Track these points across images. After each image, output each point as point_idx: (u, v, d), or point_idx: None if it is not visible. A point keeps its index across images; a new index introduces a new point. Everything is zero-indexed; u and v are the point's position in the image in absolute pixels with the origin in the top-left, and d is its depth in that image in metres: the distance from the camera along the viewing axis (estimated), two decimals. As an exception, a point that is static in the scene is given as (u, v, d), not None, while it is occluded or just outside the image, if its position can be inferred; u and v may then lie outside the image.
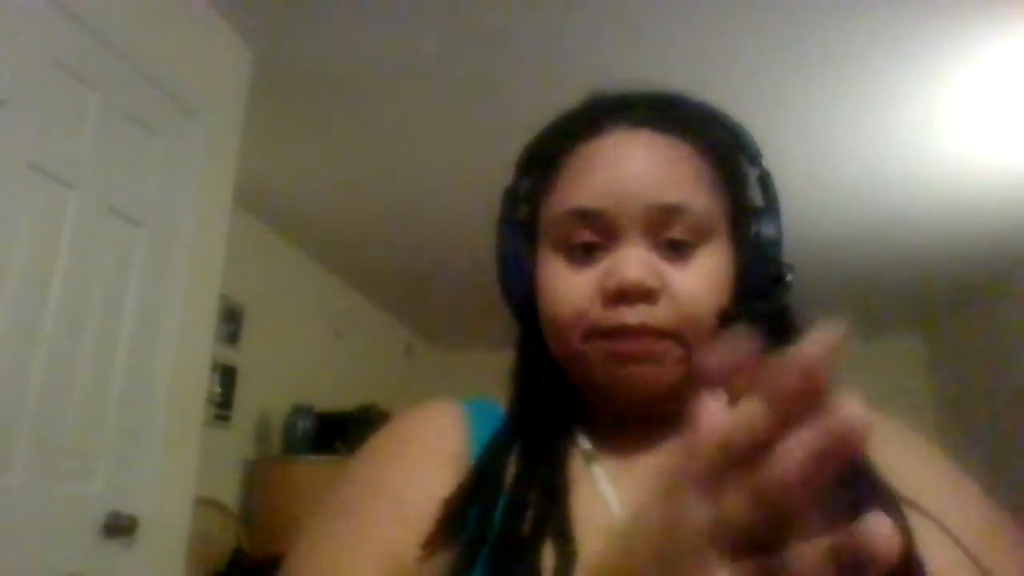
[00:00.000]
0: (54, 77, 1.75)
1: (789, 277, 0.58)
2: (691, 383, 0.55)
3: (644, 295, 0.53)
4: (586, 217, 0.56)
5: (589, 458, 0.57)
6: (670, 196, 0.55)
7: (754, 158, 0.60)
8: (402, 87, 2.71)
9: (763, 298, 0.57)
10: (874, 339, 5.64)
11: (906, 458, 0.56)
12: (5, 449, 1.60)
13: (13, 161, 1.65)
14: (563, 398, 0.60)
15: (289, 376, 4.17)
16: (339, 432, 3.83)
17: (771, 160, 0.60)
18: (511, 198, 0.64)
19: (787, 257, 0.59)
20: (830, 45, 2.44)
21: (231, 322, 3.69)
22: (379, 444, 0.61)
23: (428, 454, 0.58)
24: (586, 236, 0.56)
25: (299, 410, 3.96)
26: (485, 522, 0.52)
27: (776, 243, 0.58)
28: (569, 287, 0.56)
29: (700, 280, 0.54)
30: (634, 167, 0.56)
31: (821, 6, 2.26)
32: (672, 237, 0.55)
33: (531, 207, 0.63)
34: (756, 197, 0.60)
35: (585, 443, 0.58)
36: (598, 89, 0.63)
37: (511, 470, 0.56)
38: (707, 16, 2.31)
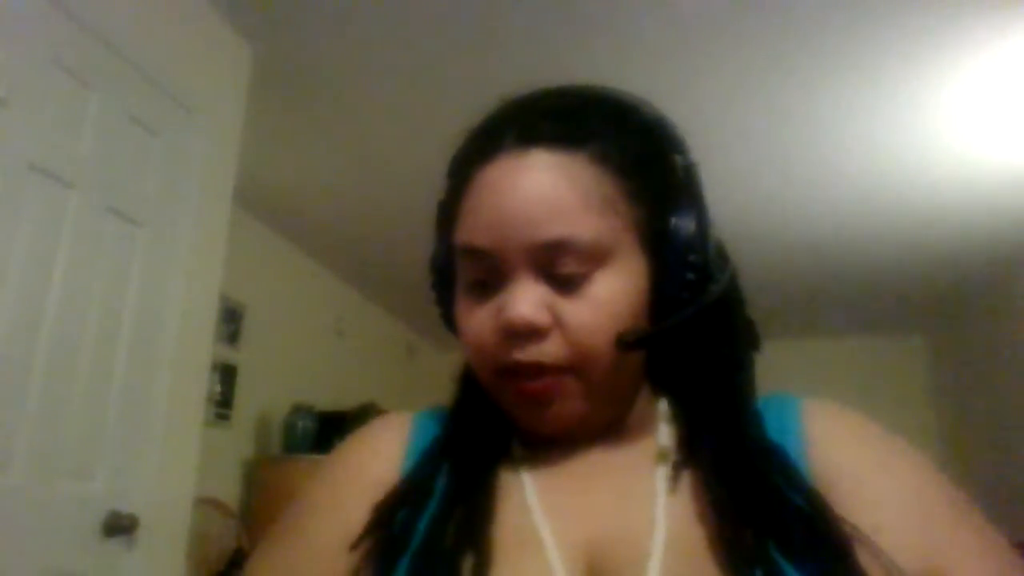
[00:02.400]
0: (54, 77, 1.75)
1: (718, 276, 0.56)
2: (601, 411, 0.56)
3: (531, 333, 0.52)
4: (474, 256, 0.55)
5: (520, 465, 0.58)
6: (552, 232, 0.52)
7: (674, 151, 0.57)
8: (403, 87, 2.71)
9: (681, 306, 0.55)
10: (874, 339, 5.64)
11: (849, 440, 0.56)
12: (5, 449, 1.60)
13: (13, 161, 1.65)
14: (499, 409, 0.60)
15: (289, 376, 4.17)
16: (339, 432, 3.83)
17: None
18: (441, 208, 0.62)
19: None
20: (831, 46, 2.44)
21: (231, 322, 3.70)
22: (324, 470, 0.63)
23: (362, 481, 0.59)
24: (478, 274, 0.56)
25: (299, 410, 3.96)
26: (409, 530, 0.54)
27: (694, 241, 0.54)
28: (472, 325, 0.56)
29: (593, 310, 0.53)
30: (516, 201, 0.53)
31: (821, 6, 2.26)
32: (560, 272, 0.53)
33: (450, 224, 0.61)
34: (676, 194, 0.56)
35: (518, 451, 0.59)
36: (505, 96, 0.61)
37: (442, 480, 0.57)
38: (705, 16, 2.31)
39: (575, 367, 0.53)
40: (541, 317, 0.52)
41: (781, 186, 3.36)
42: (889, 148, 3.07)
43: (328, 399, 4.14)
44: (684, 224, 0.55)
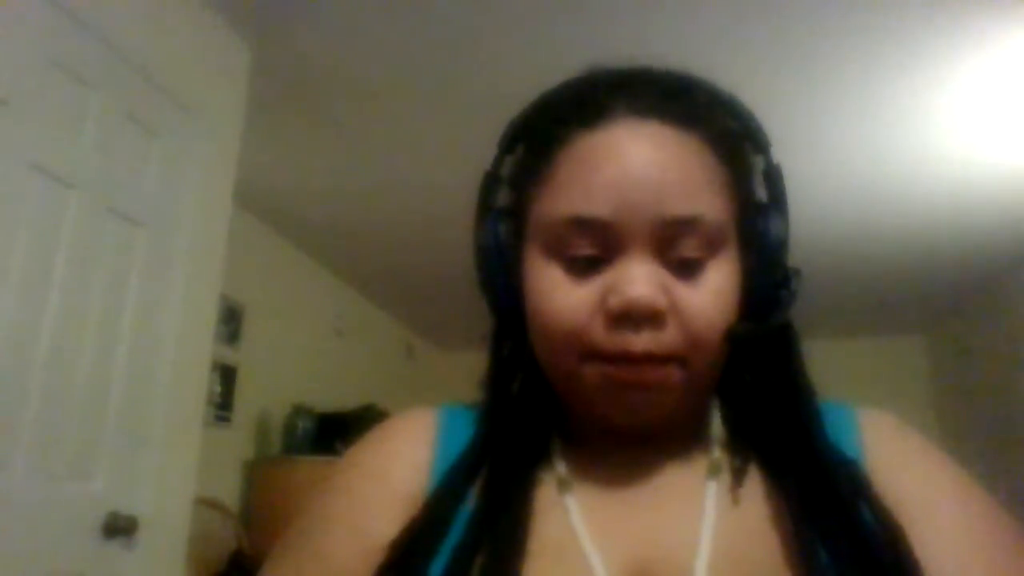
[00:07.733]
0: (54, 77, 1.74)
1: (795, 282, 0.53)
2: (690, 407, 0.53)
3: (652, 317, 0.47)
4: (587, 227, 0.49)
5: (563, 486, 0.53)
6: (682, 208, 0.48)
7: (763, 149, 0.55)
8: (403, 87, 2.71)
9: (770, 304, 0.52)
10: (874, 339, 5.64)
11: (913, 463, 0.53)
12: (5, 449, 1.60)
13: (13, 161, 1.65)
14: (540, 407, 0.56)
15: (289, 376, 4.17)
16: (339, 432, 3.83)
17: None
18: (493, 181, 0.57)
19: (792, 259, 0.55)
20: (832, 44, 2.44)
21: (231, 322, 3.69)
22: (340, 476, 0.57)
23: (385, 491, 0.54)
24: (586, 248, 0.50)
25: (299, 410, 3.96)
26: (431, 561, 0.48)
27: (784, 243, 0.53)
28: (566, 302, 0.50)
29: (711, 299, 0.49)
30: (641, 171, 0.49)
31: (822, 4, 2.26)
32: (679, 255, 0.49)
33: (517, 194, 0.56)
34: (763, 191, 0.55)
35: (561, 465, 0.54)
36: (597, 65, 0.56)
37: (473, 502, 0.51)
38: (705, 11, 2.31)
39: (684, 357, 0.49)
40: (662, 300, 0.48)
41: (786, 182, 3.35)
42: (888, 148, 3.07)
43: (328, 399, 4.14)
44: (777, 223, 0.53)
